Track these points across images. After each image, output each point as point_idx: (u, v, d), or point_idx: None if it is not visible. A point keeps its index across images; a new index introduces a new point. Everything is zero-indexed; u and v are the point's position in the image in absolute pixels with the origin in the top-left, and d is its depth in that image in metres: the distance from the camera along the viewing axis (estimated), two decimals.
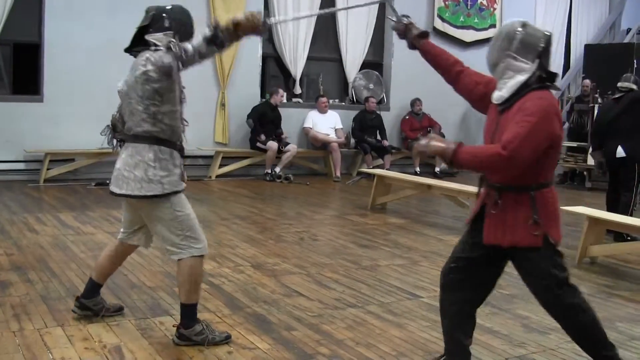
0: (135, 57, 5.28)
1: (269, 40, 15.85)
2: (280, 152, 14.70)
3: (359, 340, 5.51)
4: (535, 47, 4.25)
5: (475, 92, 4.65)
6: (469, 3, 18.13)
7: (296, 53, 15.90)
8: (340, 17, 16.38)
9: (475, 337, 5.04)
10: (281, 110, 15.20)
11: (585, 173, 16.05)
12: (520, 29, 4.27)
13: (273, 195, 13.11)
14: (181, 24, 5.32)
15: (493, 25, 18.34)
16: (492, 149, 4.11)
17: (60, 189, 12.41)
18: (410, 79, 16.82)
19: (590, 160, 14.17)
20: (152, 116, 5.16)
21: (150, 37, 5.22)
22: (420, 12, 17.25)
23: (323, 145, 15.62)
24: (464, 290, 4.57)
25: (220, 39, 4.83)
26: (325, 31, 16.61)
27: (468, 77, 4.71)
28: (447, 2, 17.73)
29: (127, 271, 7.09)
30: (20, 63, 13.75)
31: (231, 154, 15.04)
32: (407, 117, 16.79)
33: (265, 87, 15.89)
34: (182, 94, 5.35)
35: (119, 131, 5.42)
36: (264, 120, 14.87)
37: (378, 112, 16.23)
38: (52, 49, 13.41)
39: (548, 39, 4.30)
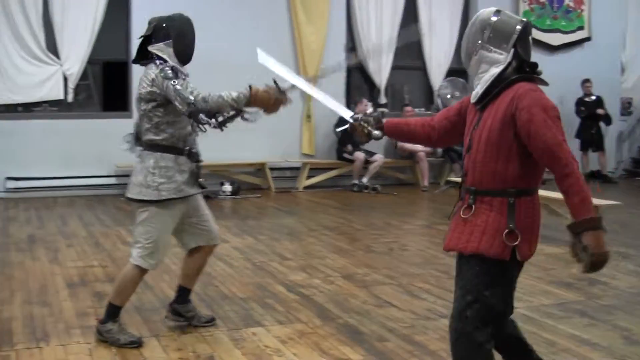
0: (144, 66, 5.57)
1: (352, 49, 15.87)
2: (367, 162, 14.68)
3: None
4: (509, 34, 3.84)
5: (452, 114, 4.25)
6: (555, 5, 17.78)
7: (380, 62, 15.89)
8: (424, 25, 16.32)
9: (572, 349, 4.99)
10: None
11: None
12: (493, 18, 3.89)
13: (361, 205, 13.08)
14: (180, 32, 5.53)
15: (581, 28, 17.97)
16: (574, 179, 3.65)
17: None
18: None
19: None
20: (155, 126, 5.42)
21: (152, 48, 5.50)
22: (504, 7, 17.03)
23: (410, 155, 15.55)
24: None
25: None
26: (408, 39, 16.56)
27: (438, 117, 4.34)
28: (532, 5, 17.44)
29: (218, 282, 7.19)
30: (109, 81, 14.03)
31: (318, 165, 15.07)
32: None
33: (350, 98, 15.88)
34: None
35: (139, 139, 5.67)
36: None
37: None
38: (139, 66, 13.61)
39: (525, 26, 3.88)
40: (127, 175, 13.31)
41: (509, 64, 3.85)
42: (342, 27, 15.48)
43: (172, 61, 5.43)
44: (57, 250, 8.70)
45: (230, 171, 14.15)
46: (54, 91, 13.21)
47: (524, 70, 3.87)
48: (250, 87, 5.35)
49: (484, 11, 3.98)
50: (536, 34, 17.23)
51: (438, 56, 16.50)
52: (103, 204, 12.39)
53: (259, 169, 14.60)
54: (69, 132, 13.31)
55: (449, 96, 16.67)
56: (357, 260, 8.41)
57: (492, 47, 3.85)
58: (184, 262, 5.98)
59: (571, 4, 17.95)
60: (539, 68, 3.98)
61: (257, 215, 11.68)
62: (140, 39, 5.62)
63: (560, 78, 17.24)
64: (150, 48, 5.51)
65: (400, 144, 15.40)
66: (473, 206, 3.87)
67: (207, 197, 11.74)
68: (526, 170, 3.81)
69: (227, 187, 13.54)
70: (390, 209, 12.49)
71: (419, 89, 16.93)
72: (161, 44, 5.47)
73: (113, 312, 5.54)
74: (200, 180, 5.64)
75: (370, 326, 5.98)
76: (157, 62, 5.40)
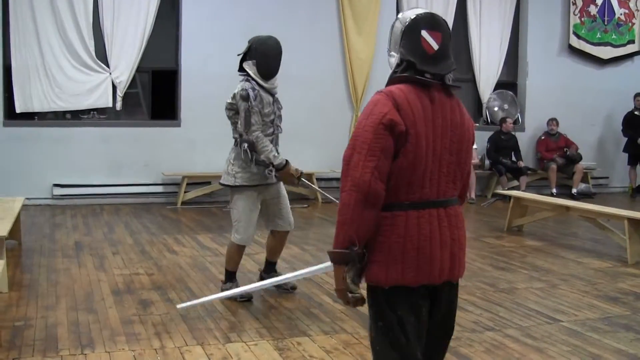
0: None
1: None
2: None
3: None
4: (397, 35, 3.48)
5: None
6: (606, 19, 17.51)
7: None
8: (473, 37, 16.22)
9: None
10: None
11: None
12: (393, 23, 3.56)
13: None
14: (262, 53, 6.73)
15: (632, 41, 17.69)
16: (342, 201, 3.30)
17: (197, 211, 12.62)
18: (546, 98, 16.50)
19: None
20: (236, 128, 6.77)
21: (244, 65, 6.79)
22: (554, 30, 16.91)
23: None
24: None
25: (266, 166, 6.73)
26: (459, 51, 16.42)
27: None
28: (582, 19, 17.21)
29: (264, 292, 7.15)
30: (158, 89, 14.10)
31: None
32: (543, 137, 16.39)
33: None
34: (271, 121, 6.78)
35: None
36: None
37: (513, 132, 15.92)
38: (188, 75, 13.71)
39: (411, 21, 3.45)
40: (174, 184, 13.61)
41: (398, 65, 3.49)
42: None
43: (256, 77, 6.67)
44: (103, 257, 8.73)
45: None
46: (103, 99, 13.30)
47: (411, 70, 3.43)
48: (287, 161, 6.82)
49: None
50: (586, 47, 17.12)
51: (487, 69, 16.36)
52: (149, 212, 12.43)
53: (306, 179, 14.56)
54: (116, 140, 13.41)
55: (496, 108, 16.56)
56: None
57: (391, 51, 3.56)
58: (267, 240, 7.35)
59: (622, 17, 17.69)
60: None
61: (304, 225, 11.61)
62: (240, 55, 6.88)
63: (610, 92, 17.08)
64: (244, 64, 6.77)
65: None
66: None
67: None
68: (389, 180, 3.32)
69: None
70: None
71: (468, 101, 16.74)
72: (249, 62, 6.73)
73: (229, 275, 7.04)
74: (271, 172, 6.75)
75: None
76: (244, 80, 6.71)
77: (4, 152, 12.76)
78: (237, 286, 6.83)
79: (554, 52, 16.91)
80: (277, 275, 6.98)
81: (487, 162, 15.93)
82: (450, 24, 15.61)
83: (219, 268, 8.10)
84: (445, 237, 3.38)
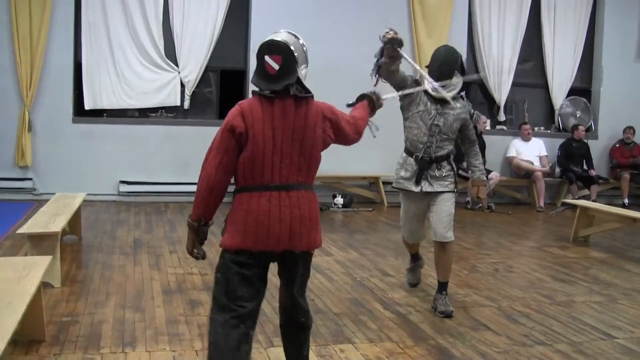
0: None
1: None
2: None
3: None
4: None
5: None
6: None
7: (500, 79, 15.56)
8: (547, 41, 15.92)
9: None
10: (485, 138, 14.82)
11: None
12: None
13: (474, 223, 12.78)
14: (433, 60, 6.87)
15: None
16: (198, 183, 4.39)
17: None
18: (620, 106, 16.10)
19: None
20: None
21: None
22: (631, 35, 16.31)
23: (527, 174, 15.18)
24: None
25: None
26: (531, 57, 16.19)
27: None
28: None
29: (314, 296, 7.10)
30: (226, 88, 14.17)
31: None
32: (617, 145, 16.05)
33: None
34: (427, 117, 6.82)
35: None
36: None
37: (585, 140, 15.61)
38: None
39: (258, 49, 4.34)
40: None
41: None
42: (463, 42, 15.15)
43: (428, 79, 6.72)
44: (159, 255, 8.79)
45: (343, 184, 14.09)
46: (171, 98, 13.44)
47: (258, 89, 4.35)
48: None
49: None
50: None
51: (560, 74, 16.05)
52: None
53: (372, 182, 14.48)
54: (183, 138, 13.52)
55: (570, 115, 16.24)
56: (460, 280, 8.20)
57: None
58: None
59: None
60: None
61: (366, 229, 11.56)
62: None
63: None
64: None
65: (516, 162, 15.09)
66: None
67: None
68: (239, 169, 4.31)
69: (339, 200, 13.54)
70: (502, 229, 12.20)
71: (540, 106, 16.51)
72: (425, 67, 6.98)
73: (411, 257, 7.77)
74: (427, 182, 6.80)
75: (463, 349, 5.80)
76: None
77: (73, 148, 12.99)
78: (419, 266, 7.77)
79: (630, 58, 16.45)
80: (435, 297, 6.95)
81: (557, 169, 15.63)
82: (524, 28, 15.44)
83: (273, 270, 8.04)
84: (284, 215, 4.27)
